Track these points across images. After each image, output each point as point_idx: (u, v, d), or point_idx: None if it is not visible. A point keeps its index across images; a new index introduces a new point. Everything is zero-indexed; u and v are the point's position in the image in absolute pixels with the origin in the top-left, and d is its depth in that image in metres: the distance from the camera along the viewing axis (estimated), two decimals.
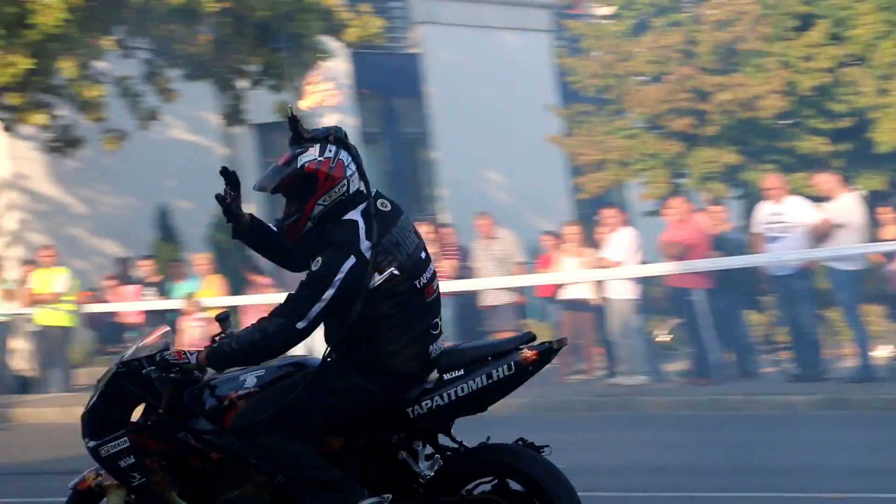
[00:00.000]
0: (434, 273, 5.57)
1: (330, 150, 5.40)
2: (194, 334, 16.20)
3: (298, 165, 5.37)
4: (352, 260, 5.27)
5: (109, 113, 18.10)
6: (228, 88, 19.19)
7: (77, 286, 18.51)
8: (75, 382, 18.01)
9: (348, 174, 5.40)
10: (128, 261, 20.40)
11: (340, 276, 5.26)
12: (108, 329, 19.11)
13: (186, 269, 18.93)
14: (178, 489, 5.62)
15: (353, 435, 5.52)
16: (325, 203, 5.39)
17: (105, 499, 5.79)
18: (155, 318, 16.93)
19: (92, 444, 5.67)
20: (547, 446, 5.49)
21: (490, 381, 5.40)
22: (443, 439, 5.55)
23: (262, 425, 5.39)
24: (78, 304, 18.42)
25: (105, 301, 19.24)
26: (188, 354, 5.49)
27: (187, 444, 5.62)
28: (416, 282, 5.43)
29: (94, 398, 5.75)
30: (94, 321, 19.26)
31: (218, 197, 5.57)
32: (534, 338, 5.55)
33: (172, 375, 5.50)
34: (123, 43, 18.49)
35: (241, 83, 19.03)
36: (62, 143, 18.73)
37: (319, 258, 5.31)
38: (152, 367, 5.54)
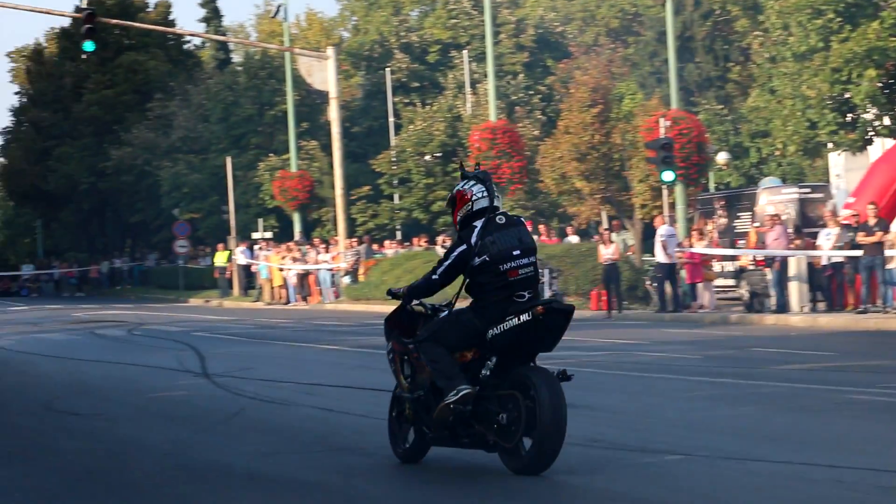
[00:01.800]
0: (524, 263, 9.47)
1: (468, 184, 9.74)
2: None
3: (453, 191, 9.89)
4: (463, 247, 9.56)
5: None
6: None
7: None
8: None
9: (474, 199, 9.64)
10: None
11: (455, 253, 9.61)
12: None
13: None
14: (405, 374, 9.99)
15: (471, 349, 9.54)
16: (461, 213, 9.75)
17: None
18: None
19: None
20: (570, 378, 9.43)
21: (514, 325, 9.30)
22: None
23: (425, 336, 9.69)
24: None
25: None
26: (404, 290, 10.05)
27: (405, 347, 9.97)
28: (500, 266, 9.44)
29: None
30: None
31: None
32: (558, 302, 9.65)
33: (407, 306, 10.04)
34: None
35: None
36: None
37: (452, 243, 9.85)
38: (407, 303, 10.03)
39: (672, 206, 32.80)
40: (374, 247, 45.29)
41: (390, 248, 44.56)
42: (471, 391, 9.23)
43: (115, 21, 55.36)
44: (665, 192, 32.76)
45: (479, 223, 9.52)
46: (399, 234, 51.49)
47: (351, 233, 47.19)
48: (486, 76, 47.88)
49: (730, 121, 49.27)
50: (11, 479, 10.35)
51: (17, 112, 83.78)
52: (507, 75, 54.65)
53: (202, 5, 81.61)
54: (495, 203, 9.63)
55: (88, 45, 37.63)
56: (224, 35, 79.93)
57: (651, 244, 32.15)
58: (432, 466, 10.09)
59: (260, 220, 53.00)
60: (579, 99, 35.61)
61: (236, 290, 50.52)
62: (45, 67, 79.72)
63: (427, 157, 52.21)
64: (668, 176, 31.73)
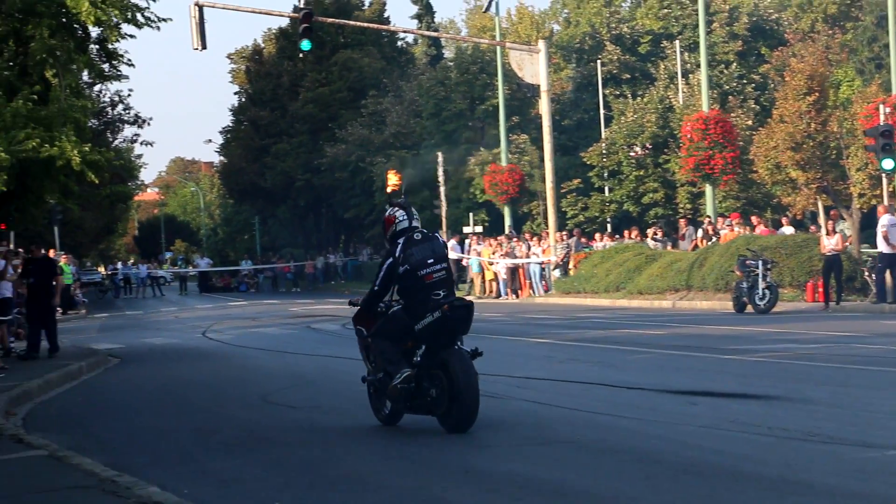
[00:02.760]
0: (437, 269, 12.06)
1: (393, 210, 12.49)
2: None
3: (384, 216, 12.61)
4: (390, 259, 12.15)
5: None
6: None
7: None
8: None
9: (397, 222, 12.37)
10: None
11: (385, 266, 12.20)
12: None
13: None
14: (369, 361, 12.73)
15: (408, 340, 12.00)
16: (388, 233, 12.44)
17: None
18: None
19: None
20: (480, 354, 11.90)
21: (430, 320, 11.83)
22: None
23: (375, 331, 12.33)
24: None
25: None
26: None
27: (366, 341, 12.62)
28: (418, 272, 12.02)
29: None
30: None
31: None
32: (461, 300, 12.14)
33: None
34: None
35: None
36: None
37: (382, 258, 12.42)
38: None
39: (893, 194, 31.80)
40: (584, 240, 45.12)
41: (601, 241, 44.33)
42: (410, 373, 11.82)
43: (331, 20, 56.39)
44: (885, 181, 31.79)
45: (401, 240, 12.18)
46: (609, 227, 51.19)
47: (561, 226, 47.13)
48: (698, 66, 47.25)
49: None
50: (231, 470, 10.62)
51: (236, 112, 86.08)
52: (720, 64, 53.80)
53: (415, 2, 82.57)
54: (413, 224, 12.36)
55: (305, 45, 38.36)
56: (436, 31, 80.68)
57: (869, 234, 31.19)
58: (639, 463, 9.99)
59: (471, 215, 53.33)
60: (795, 87, 34.78)
61: None
62: (263, 67, 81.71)
63: (638, 149, 51.79)
64: (888, 164, 30.76)
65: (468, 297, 45.93)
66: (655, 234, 42.79)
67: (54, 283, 24.47)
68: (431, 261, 12.06)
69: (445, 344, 11.90)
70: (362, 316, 12.64)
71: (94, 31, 24.66)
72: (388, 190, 12.49)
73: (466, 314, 12.00)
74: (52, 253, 51.96)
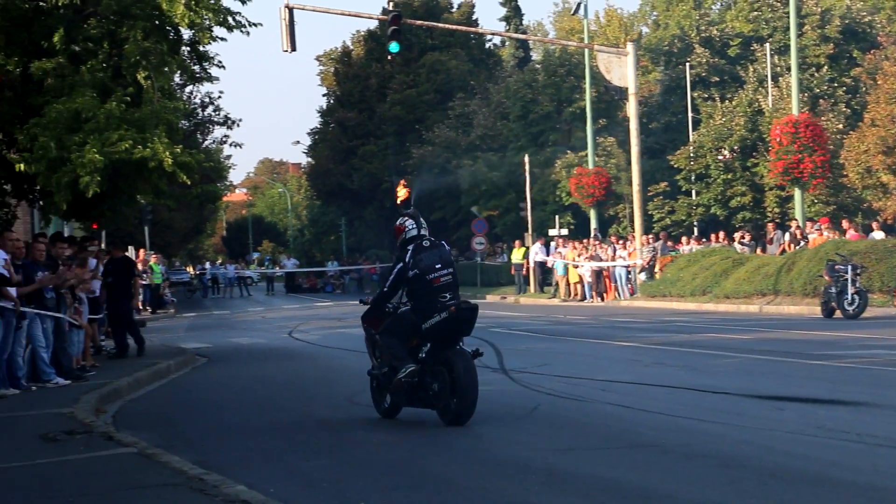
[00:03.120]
0: (444, 273, 13.03)
1: (403, 220, 13.46)
2: None
3: (395, 225, 13.61)
4: (401, 264, 13.13)
5: None
6: None
7: None
8: None
9: (407, 230, 13.32)
10: None
11: (396, 270, 13.21)
12: None
13: None
14: (375, 356, 13.79)
15: (413, 339, 12.99)
16: (399, 240, 13.38)
17: None
18: None
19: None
20: (481, 354, 12.94)
21: (437, 320, 12.80)
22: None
23: (383, 329, 13.43)
24: None
25: None
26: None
27: (373, 338, 13.74)
28: (427, 276, 12.98)
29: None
30: None
31: None
32: (466, 302, 13.05)
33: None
34: None
35: None
36: None
37: (393, 263, 13.46)
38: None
39: None
40: (670, 243, 44.86)
41: (687, 245, 44.05)
42: (415, 368, 12.81)
43: (419, 22, 56.55)
44: None
45: (411, 247, 13.24)
46: (696, 231, 50.85)
47: (647, 229, 46.89)
48: (788, 69, 46.77)
49: None
50: (319, 469, 10.72)
51: (324, 113, 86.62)
52: (811, 67, 53.22)
53: (503, 4, 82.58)
54: (422, 232, 13.43)
55: (394, 47, 38.53)
56: (524, 33, 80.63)
57: None
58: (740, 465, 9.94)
59: (556, 217, 53.23)
60: (887, 90, 34.41)
61: (532, 286, 50.89)
62: (351, 69, 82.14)
63: (726, 152, 51.39)
64: None
65: (552, 300, 46.33)
66: (742, 237, 42.44)
67: (132, 283, 24.82)
68: (439, 266, 13.16)
69: (450, 343, 12.94)
70: (370, 315, 13.84)
71: (186, 34, 24.96)
72: (398, 201, 15.32)
73: (471, 316, 12.99)
74: (142, 253, 52.71)
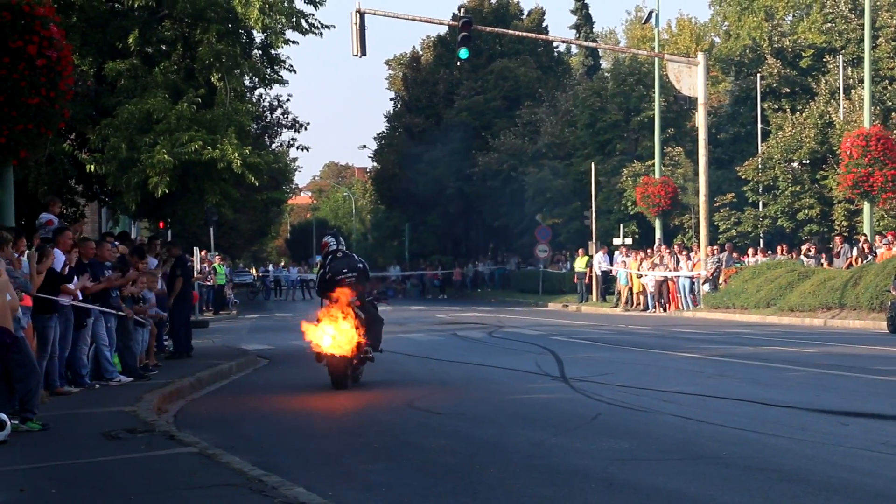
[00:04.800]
0: (346, 275, 18.73)
1: (328, 238, 19.62)
2: None
3: (322, 241, 19.99)
4: (322, 270, 19.25)
5: None
6: None
7: None
8: None
9: (329, 246, 19.27)
10: None
11: (318, 273, 19.55)
12: None
13: None
14: None
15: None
16: (323, 252, 19.66)
17: None
18: None
19: None
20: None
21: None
22: None
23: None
24: None
25: None
26: None
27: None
28: (336, 278, 18.78)
29: None
30: None
31: None
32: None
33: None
34: None
35: None
36: None
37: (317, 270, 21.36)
38: None
39: None
40: (736, 255, 44.52)
41: (753, 257, 43.72)
42: None
43: (489, 29, 56.54)
44: None
45: (329, 258, 18.96)
46: (762, 242, 50.45)
47: (713, 240, 46.58)
48: (861, 81, 46.32)
49: None
50: (377, 473, 10.73)
51: (391, 118, 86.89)
52: (884, 80, 52.64)
53: (574, 12, 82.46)
54: (339, 247, 19.14)
55: (463, 53, 38.58)
56: (594, 42, 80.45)
57: None
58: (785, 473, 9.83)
59: (621, 226, 53.03)
60: None
61: (595, 295, 50.72)
62: (420, 74, 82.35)
63: (795, 165, 50.96)
64: None
65: (614, 310, 46.09)
66: (809, 250, 42.06)
67: (174, 282, 24.94)
68: (345, 270, 18.76)
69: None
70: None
71: (259, 37, 25.13)
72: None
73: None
74: (203, 254, 53.10)
